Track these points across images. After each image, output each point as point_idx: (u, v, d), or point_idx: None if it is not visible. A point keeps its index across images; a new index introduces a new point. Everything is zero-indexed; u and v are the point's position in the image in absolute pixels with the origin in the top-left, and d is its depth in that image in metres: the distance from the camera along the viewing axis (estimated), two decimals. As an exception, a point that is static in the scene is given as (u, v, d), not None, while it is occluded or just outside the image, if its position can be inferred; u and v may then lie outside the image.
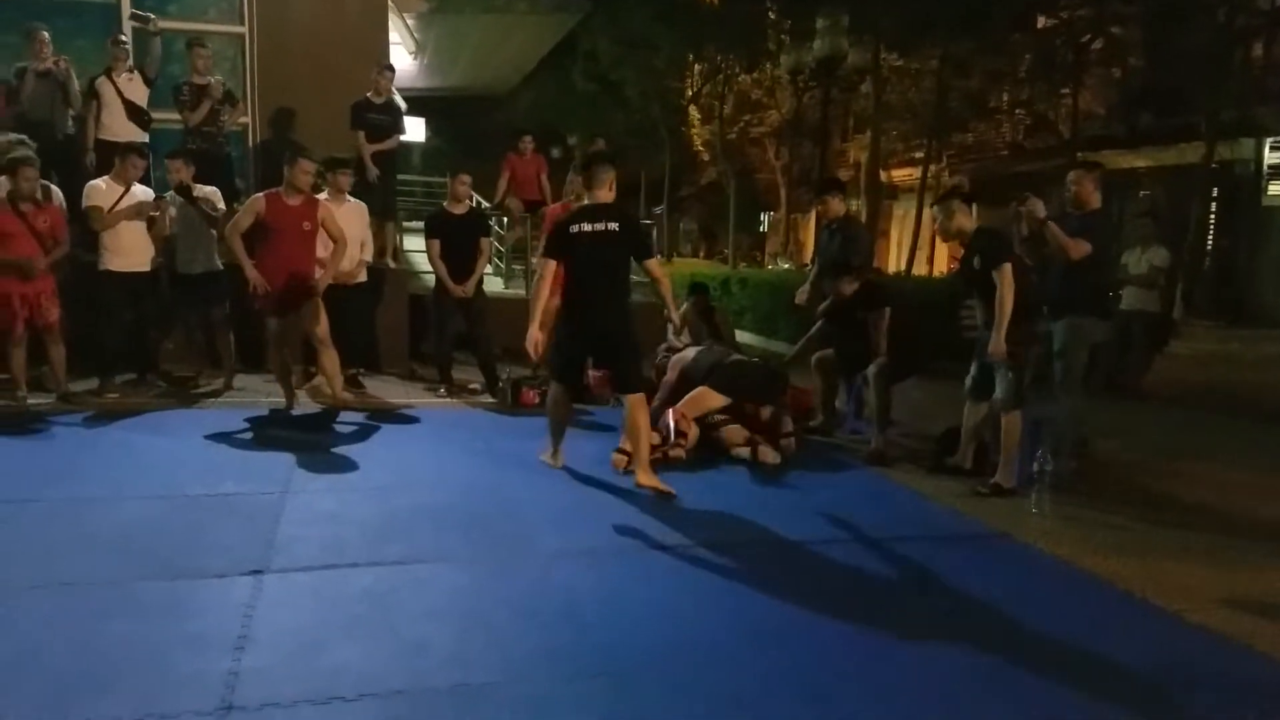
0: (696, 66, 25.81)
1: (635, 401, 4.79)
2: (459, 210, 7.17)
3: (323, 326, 6.07)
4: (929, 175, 21.70)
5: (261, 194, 6.12)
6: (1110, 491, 5.14)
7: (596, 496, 4.74)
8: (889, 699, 2.78)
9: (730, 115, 25.62)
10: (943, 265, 23.19)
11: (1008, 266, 4.78)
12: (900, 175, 26.09)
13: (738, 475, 5.28)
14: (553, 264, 4.81)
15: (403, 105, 8.89)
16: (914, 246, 20.90)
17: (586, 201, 4.95)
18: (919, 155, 23.42)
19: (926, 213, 21.88)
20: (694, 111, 28.09)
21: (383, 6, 9.30)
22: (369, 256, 7.20)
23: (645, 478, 4.75)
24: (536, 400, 6.69)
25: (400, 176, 10.42)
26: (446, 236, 7.05)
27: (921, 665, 3.01)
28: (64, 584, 3.37)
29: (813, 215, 26.35)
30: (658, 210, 26.90)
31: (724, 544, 4.05)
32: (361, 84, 8.22)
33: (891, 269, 22.49)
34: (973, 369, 5.19)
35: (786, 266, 24.41)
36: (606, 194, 4.81)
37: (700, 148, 29.79)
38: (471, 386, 7.31)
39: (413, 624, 3.14)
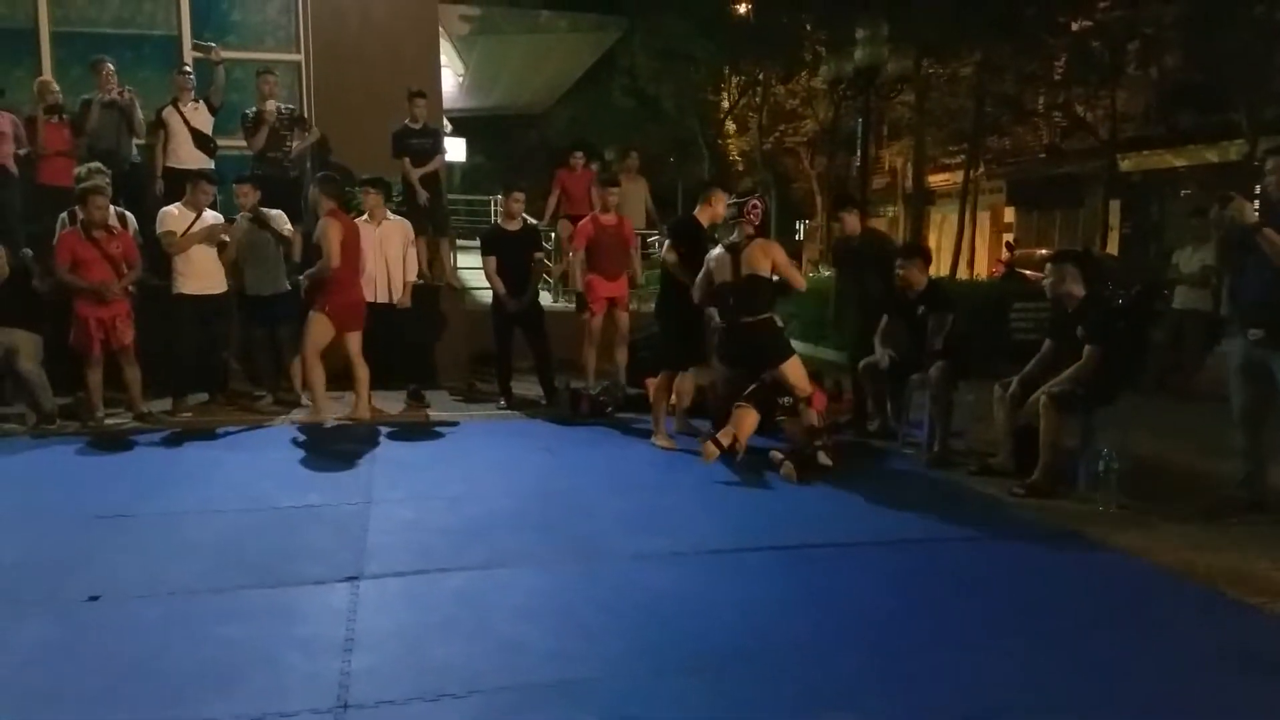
0: (734, 79, 25.94)
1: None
2: (513, 227, 7.33)
3: (357, 342, 6.50)
4: (968, 179, 21.60)
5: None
6: (1170, 491, 5.14)
7: (665, 499, 4.84)
8: (977, 692, 2.85)
9: (766, 125, 25.71)
10: (983, 269, 23.06)
11: (1100, 351, 4.94)
12: (938, 180, 26.01)
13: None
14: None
15: (448, 127, 9.09)
16: (956, 251, 20.79)
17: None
18: (956, 160, 23.33)
19: (967, 217, 21.82)
20: (730, 123, 28.23)
21: (434, 30, 9.54)
22: (412, 276, 7.29)
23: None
24: (589, 410, 6.87)
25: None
26: (502, 252, 7.22)
27: (1005, 658, 3.07)
28: (171, 592, 3.54)
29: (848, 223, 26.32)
30: (695, 221, 26.98)
31: (797, 545, 4.14)
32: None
33: (933, 272, 22.37)
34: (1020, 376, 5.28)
35: (826, 274, 24.35)
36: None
37: (737, 158, 29.90)
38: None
39: (506, 623, 3.26)
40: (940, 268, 23.11)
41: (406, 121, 8.36)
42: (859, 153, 12.78)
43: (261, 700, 2.73)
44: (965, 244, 21.22)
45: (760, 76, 24.43)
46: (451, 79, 12.73)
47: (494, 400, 7.44)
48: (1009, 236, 24.32)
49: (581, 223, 7.54)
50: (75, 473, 5.37)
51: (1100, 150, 19.56)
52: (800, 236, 33.76)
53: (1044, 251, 17.24)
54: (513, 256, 7.21)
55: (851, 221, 6.74)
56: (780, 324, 5.77)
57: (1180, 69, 18.33)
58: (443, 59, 10.28)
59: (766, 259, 5.42)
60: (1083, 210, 21.88)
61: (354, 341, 6.56)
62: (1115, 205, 20.42)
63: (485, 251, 7.35)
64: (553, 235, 10.08)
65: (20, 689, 2.80)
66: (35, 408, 6.34)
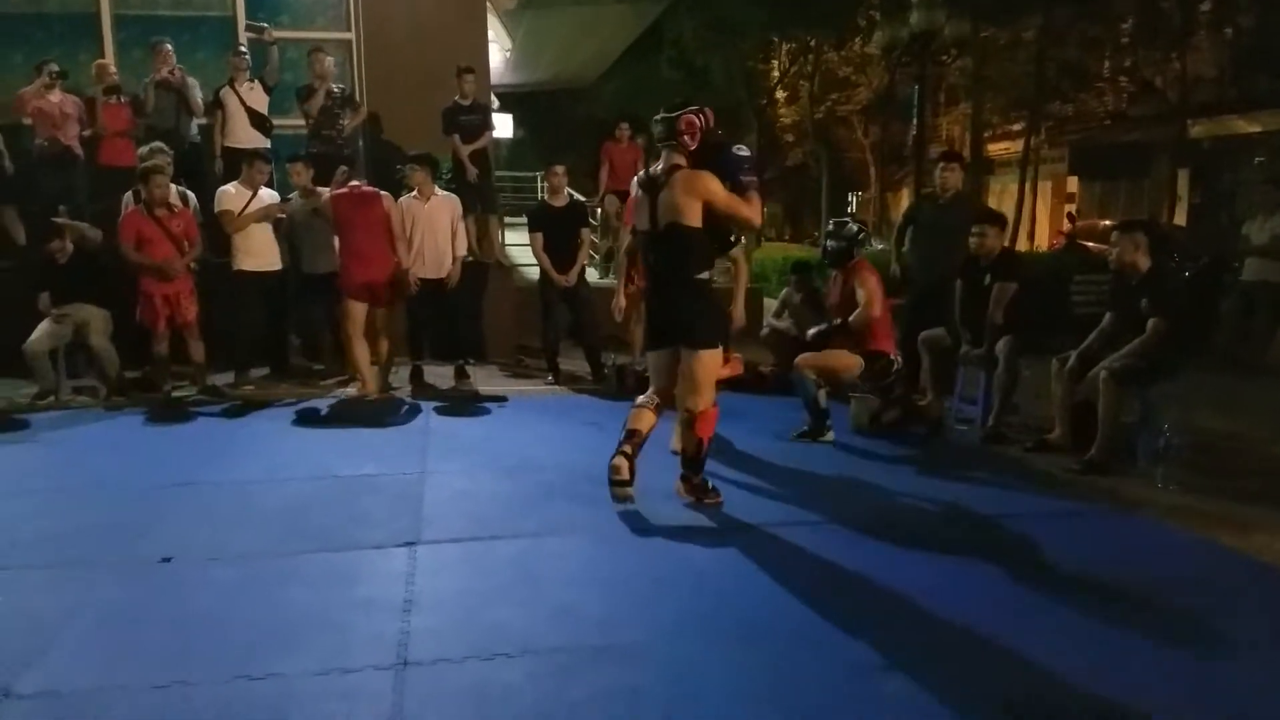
0: (783, 46, 25.55)
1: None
2: (559, 203, 7.34)
3: (382, 318, 6.68)
4: (1029, 148, 21.05)
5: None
6: (1235, 469, 5.01)
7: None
8: (1025, 668, 2.83)
9: (818, 93, 25.32)
10: (1044, 240, 22.52)
11: (1165, 324, 4.83)
12: (997, 149, 25.39)
13: (845, 453, 5.34)
14: None
15: (495, 103, 9.12)
16: (1016, 221, 20.32)
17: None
18: (1017, 128, 22.73)
19: (1027, 186, 21.29)
20: (779, 92, 27.84)
21: (481, 6, 9.57)
22: (461, 252, 7.22)
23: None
24: (636, 385, 6.88)
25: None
26: (548, 229, 7.25)
27: (1055, 635, 3.04)
28: (239, 556, 3.68)
29: (903, 194, 25.87)
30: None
31: (845, 520, 4.13)
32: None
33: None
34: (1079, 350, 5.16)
35: (880, 246, 24.00)
36: None
37: (786, 129, 29.51)
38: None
39: (559, 589, 3.33)
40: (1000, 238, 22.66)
41: (456, 98, 8.41)
42: (915, 120, 12.54)
43: (326, 657, 2.84)
44: (1026, 214, 20.73)
45: (811, 44, 24.02)
46: (498, 54, 12.76)
47: (542, 376, 7.52)
48: (1071, 207, 23.67)
49: (633, 197, 7.50)
50: (144, 443, 5.57)
51: (1169, 116, 18.90)
52: (853, 209, 33.29)
53: (1107, 222, 16.75)
54: (559, 233, 7.24)
55: (953, 178, 6.44)
56: (708, 296, 4.18)
57: (1255, 30, 17.59)
58: (489, 34, 10.31)
59: (694, 198, 3.92)
60: (1149, 179, 21.19)
61: (379, 318, 6.64)
62: (1184, 174, 19.74)
63: (532, 228, 7.39)
64: (598, 211, 10.08)
65: (97, 647, 2.95)
66: (105, 381, 6.58)
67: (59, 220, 6.77)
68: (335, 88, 8.17)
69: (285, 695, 2.63)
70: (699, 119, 4.00)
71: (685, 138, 3.98)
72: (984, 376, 5.80)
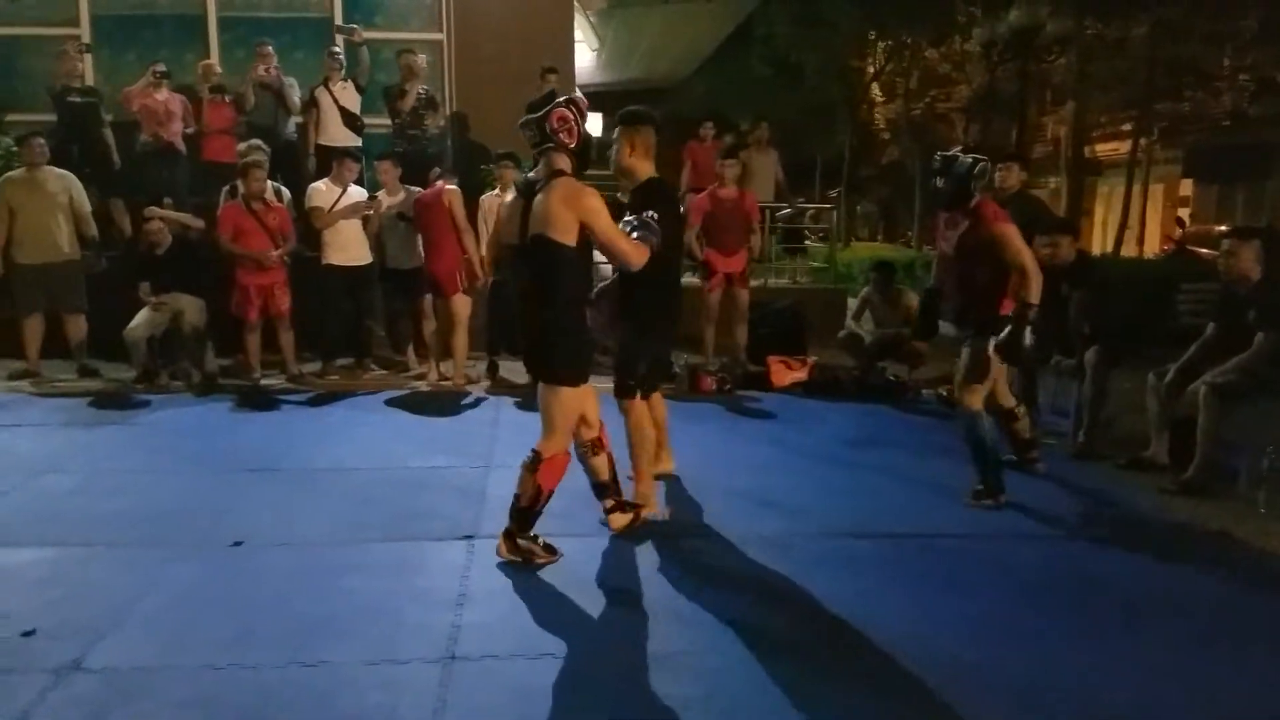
0: (879, 44, 24.99)
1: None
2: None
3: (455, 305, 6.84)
4: (1139, 149, 20.06)
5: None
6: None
7: (781, 480, 4.77)
8: (1094, 693, 2.67)
9: (915, 91, 24.68)
10: (1154, 246, 21.44)
11: (1274, 338, 4.51)
12: (1105, 150, 24.26)
13: (918, 459, 5.15)
14: None
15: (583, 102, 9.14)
16: (1123, 225, 19.40)
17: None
18: (1126, 128, 21.69)
19: (1136, 189, 20.32)
20: (875, 89, 27.24)
21: (569, 7, 9.62)
22: None
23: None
24: (713, 386, 6.82)
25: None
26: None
27: (1122, 660, 2.86)
28: (306, 542, 3.78)
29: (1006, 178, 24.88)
30: (833, 193, 26.33)
31: (917, 534, 3.99)
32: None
33: (1096, 249, 20.95)
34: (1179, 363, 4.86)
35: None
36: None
37: (881, 126, 28.87)
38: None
39: (610, 592, 3.30)
40: (1104, 244, 21.67)
41: (540, 98, 8.47)
42: (1017, 119, 12.08)
43: (377, 647, 2.88)
44: (1134, 218, 19.76)
45: (908, 40, 23.42)
46: (586, 54, 12.84)
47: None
48: (1183, 211, 22.47)
49: (699, 197, 7.44)
50: (230, 428, 5.78)
51: (1293, 116, 17.74)
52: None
53: (1221, 228, 15.82)
54: None
55: (1011, 177, 6.07)
56: (575, 325, 3.53)
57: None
58: (577, 34, 10.37)
59: (570, 211, 3.34)
60: (1270, 183, 19.93)
61: (452, 311, 6.84)
62: (1309, 178, 18.52)
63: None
64: (682, 209, 9.99)
65: (165, 626, 3.06)
66: (199, 367, 6.86)
67: (157, 210, 7.08)
68: (423, 89, 8.32)
69: (334, 683, 2.67)
70: (571, 111, 3.46)
71: (561, 135, 3.42)
72: (1076, 389, 5.52)
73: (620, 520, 3.88)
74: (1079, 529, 4.10)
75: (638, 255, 3.45)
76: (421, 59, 8.27)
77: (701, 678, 2.72)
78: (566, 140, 3.42)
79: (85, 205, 7.02)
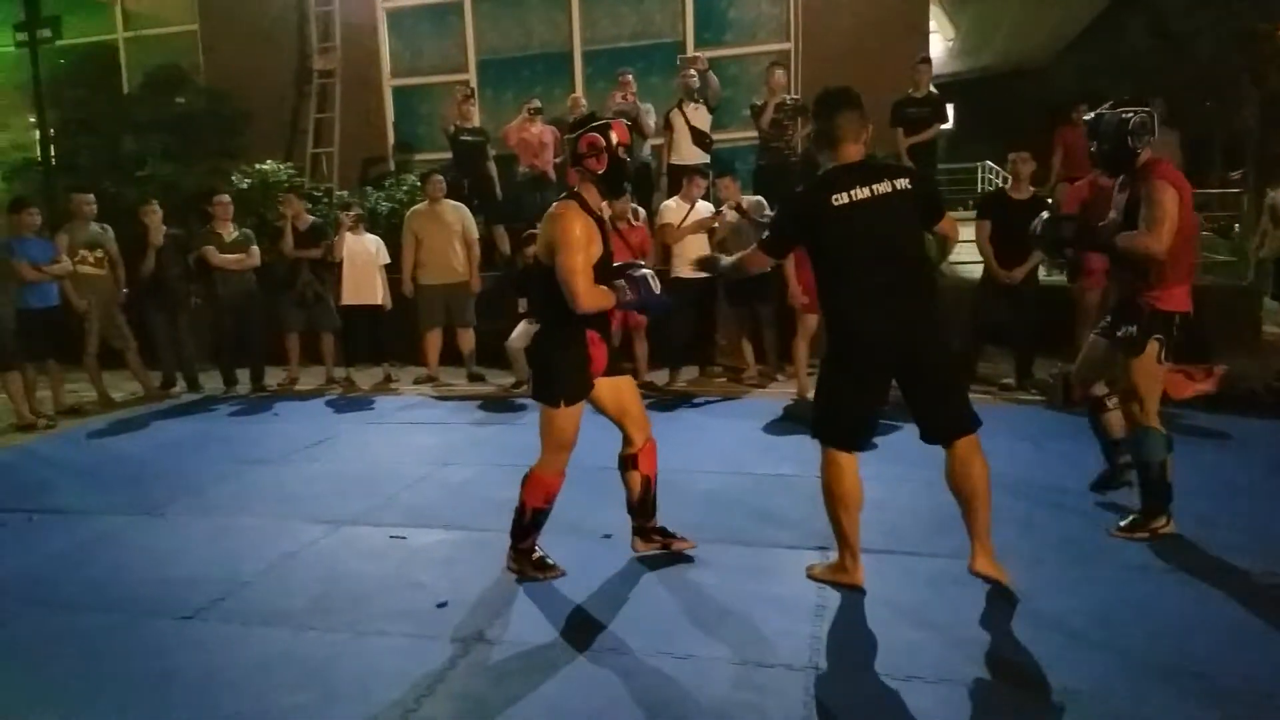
0: (1292, -3, 21.13)
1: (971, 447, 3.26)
2: (1020, 194, 6.77)
3: None
4: None
5: None
6: None
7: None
8: None
9: (1342, 51, 20.54)
10: None
11: None
12: None
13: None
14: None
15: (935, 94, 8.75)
16: None
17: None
18: None
19: None
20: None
21: (924, 0, 9.25)
22: None
23: (984, 563, 3.23)
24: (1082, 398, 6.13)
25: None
26: (1002, 220, 6.71)
27: None
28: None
29: None
30: (1235, 175, 22.67)
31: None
32: (903, 81, 8.28)
33: None
34: None
35: None
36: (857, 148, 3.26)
37: (1297, 96, 24.37)
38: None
39: (978, 617, 3.08)
40: None
41: (910, 90, 8.32)
42: None
43: (741, 648, 2.95)
44: None
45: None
46: (939, 44, 12.25)
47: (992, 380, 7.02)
48: None
49: (1077, 184, 6.77)
50: (592, 430, 6.16)
51: None
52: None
53: None
54: (1013, 226, 6.64)
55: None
56: (558, 347, 3.48)
57: None
58: (931, 24, 9.94)
59: (547, 238, 3.38)
60: None
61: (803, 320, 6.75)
62: None
63: (981, 215, 6.97)
64: (1048, 200, 9.18)
65: (547, 608, 3.33)
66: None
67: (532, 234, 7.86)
68: (788, 99, 8.40)
69: (700, 678, 2.77)
70: (604, 137, 3.38)
71: (588, 160, 3.38)
72: None
73: (516, 562, 3.66)
74: None
75: (587, 300, 3.30)
76: (780, 73, 8.37)
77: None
78: (594, 166, 3.39)
79: (474, 232, 7.98)
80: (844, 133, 3.20)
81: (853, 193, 3.10)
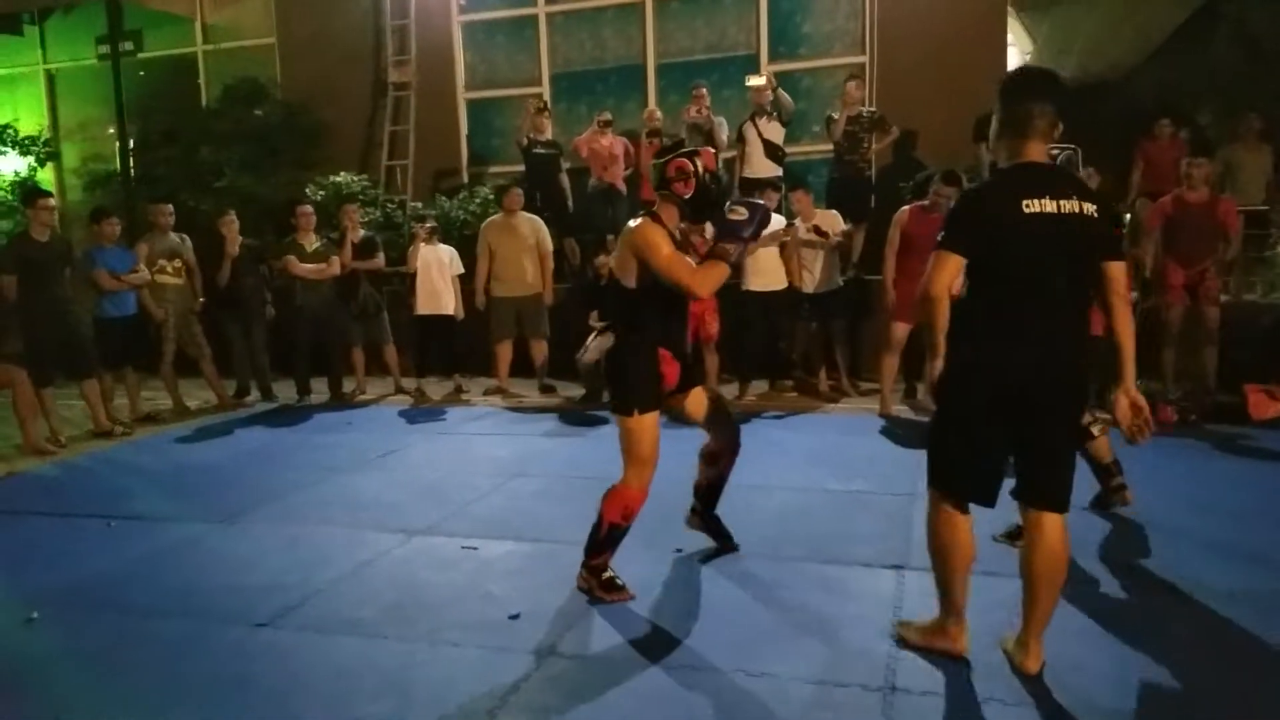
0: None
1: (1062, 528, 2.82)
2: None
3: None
4: None
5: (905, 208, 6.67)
6: None
7: (1262, 529, 3.96)
8: None
9: None
10: None
11: None
12: None
13: None
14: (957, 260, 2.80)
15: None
16: None
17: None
18: None
19: None
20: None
21: (1002, 10, 9.07)
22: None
23: (1034, 662, 2.81)
24: (1174, 418, 5.97)
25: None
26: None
27: None
28: (737, 555, 3.94)
29: None
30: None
31: None
32: (979, 94, 8.08)
33: None
34: None
35: None
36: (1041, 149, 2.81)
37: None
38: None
39: (1061, 641, 2.95)
40: None
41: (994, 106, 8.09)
42: None
43: (817, 667, 2.91)
44: None
45: None
46: (1016, 57, 11.99)
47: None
48: None
49: (1161, 200, 6.60)
50: (668, 444, 6.16)
51: None
52: None
53: None
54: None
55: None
56: (630, 356, 3.54)
57: None
58: (1009, 36, 9.74)
59: (629, 252, 3.44)
60: None
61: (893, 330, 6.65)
62: None
63: None
64: (1127, 217, 8.90)
65: (619, 622, 3.33)
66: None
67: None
68: (865, 111, 8.32)
69: (776, 696, 2.74)
70: (692, 163, 3.44)
71: (677, 185, 3.44)
72: None
73: (588, 582, 3.62)
74: None
75: (699, 284, 3.38)
76: (854, 86, 8.29)
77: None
78: (681, 190, 3.45)
79: (549, 245, 8.05)
80: (1037, 126, 2.75)
81: (1042, 202, 2.65)
